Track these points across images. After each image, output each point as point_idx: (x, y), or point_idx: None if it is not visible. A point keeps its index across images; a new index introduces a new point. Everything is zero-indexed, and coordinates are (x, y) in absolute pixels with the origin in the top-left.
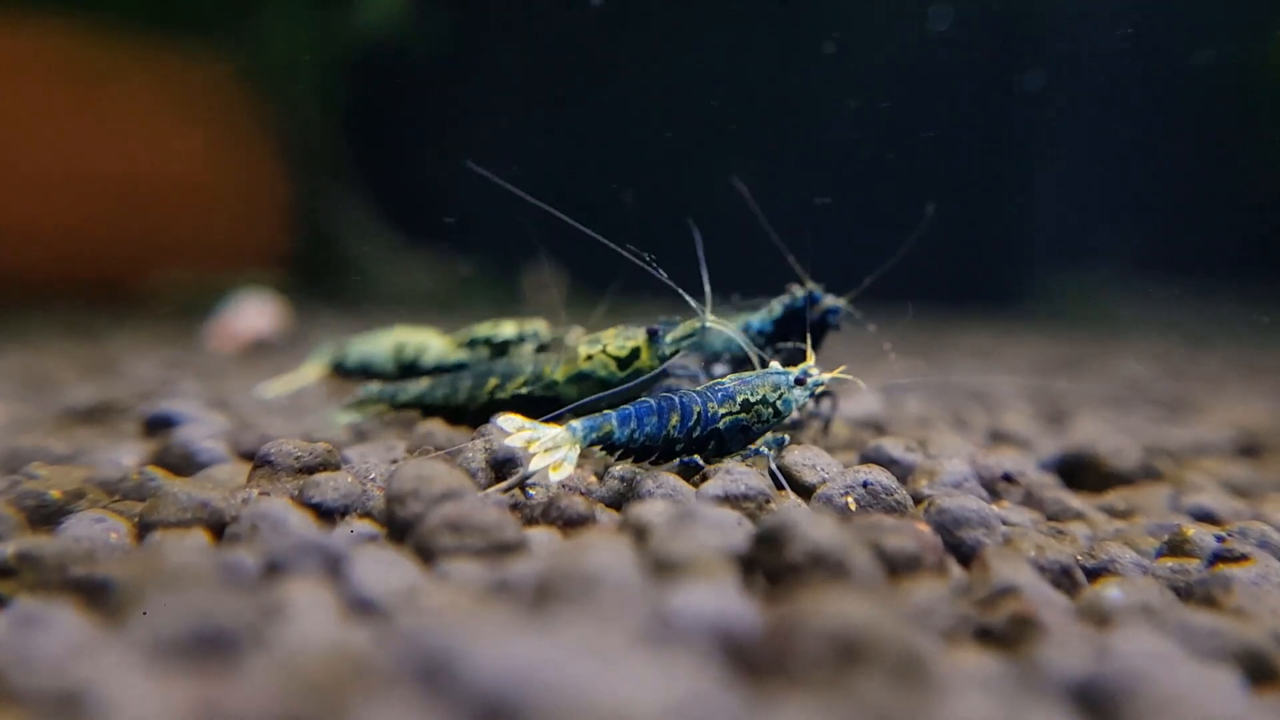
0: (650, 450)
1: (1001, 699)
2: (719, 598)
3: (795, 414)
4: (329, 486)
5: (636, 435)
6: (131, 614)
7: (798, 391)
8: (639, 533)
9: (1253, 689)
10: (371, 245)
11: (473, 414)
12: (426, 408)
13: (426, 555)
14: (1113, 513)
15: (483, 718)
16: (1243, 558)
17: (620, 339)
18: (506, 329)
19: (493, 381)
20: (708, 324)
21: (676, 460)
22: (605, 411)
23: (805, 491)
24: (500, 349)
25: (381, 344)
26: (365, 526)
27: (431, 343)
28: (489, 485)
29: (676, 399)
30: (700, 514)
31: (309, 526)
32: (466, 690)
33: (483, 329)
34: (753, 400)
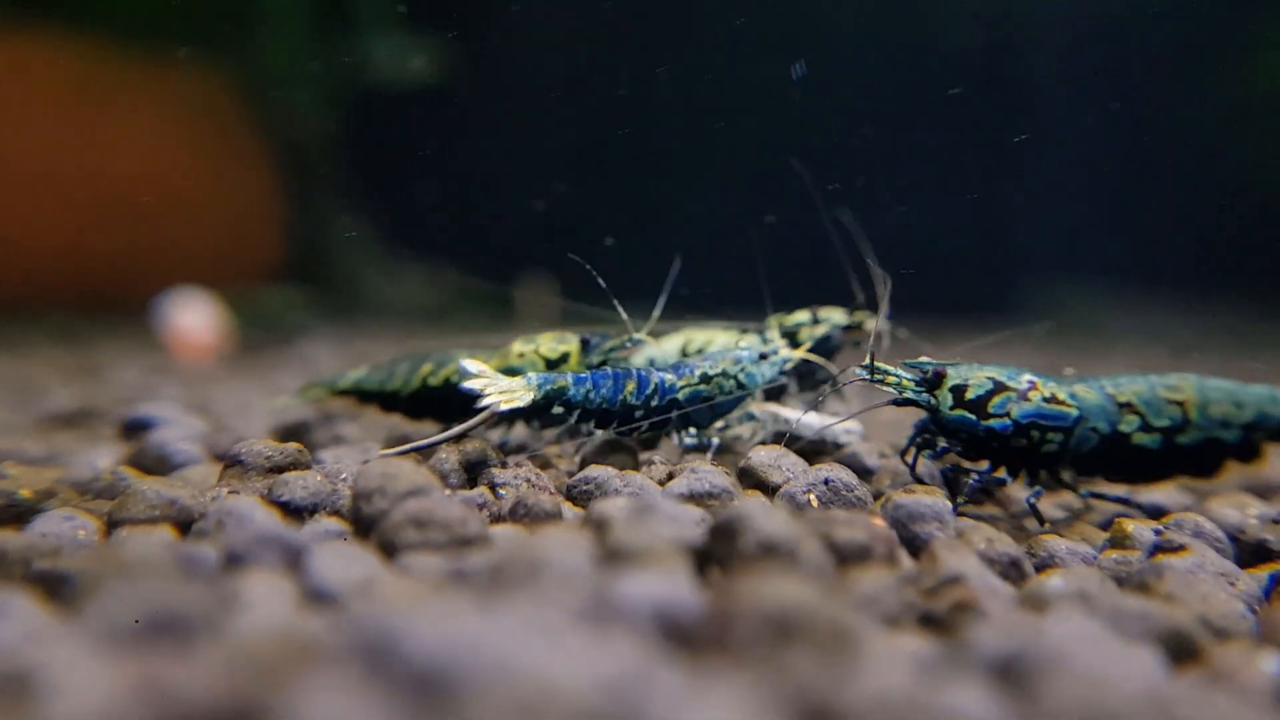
0: (609, 415)
1: (924, 672)
2: (664, 583)
3: (769, 382)
4: (298, 485)
5: (592, 396)
6: (88, 604)
7: (763, 366)
8: (599, 526)
9: (1174, 667)
10: (367, 258)
11: (406, 400)
12: (363, 394)
13: (390, 549)
14: (1069, 510)
15: (418, 690)
16: (1180, 548)
17: (555, 342)
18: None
19: (427, 368)
20: (637, 339)
21: (675, 439)
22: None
23: (771, 490)
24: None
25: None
26: (333, 524)
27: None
28: (462, 487)
29: (634, 370)
30: (659, 508)
31: (273, 522)
32: (404, 666)
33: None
34: (711, 373)
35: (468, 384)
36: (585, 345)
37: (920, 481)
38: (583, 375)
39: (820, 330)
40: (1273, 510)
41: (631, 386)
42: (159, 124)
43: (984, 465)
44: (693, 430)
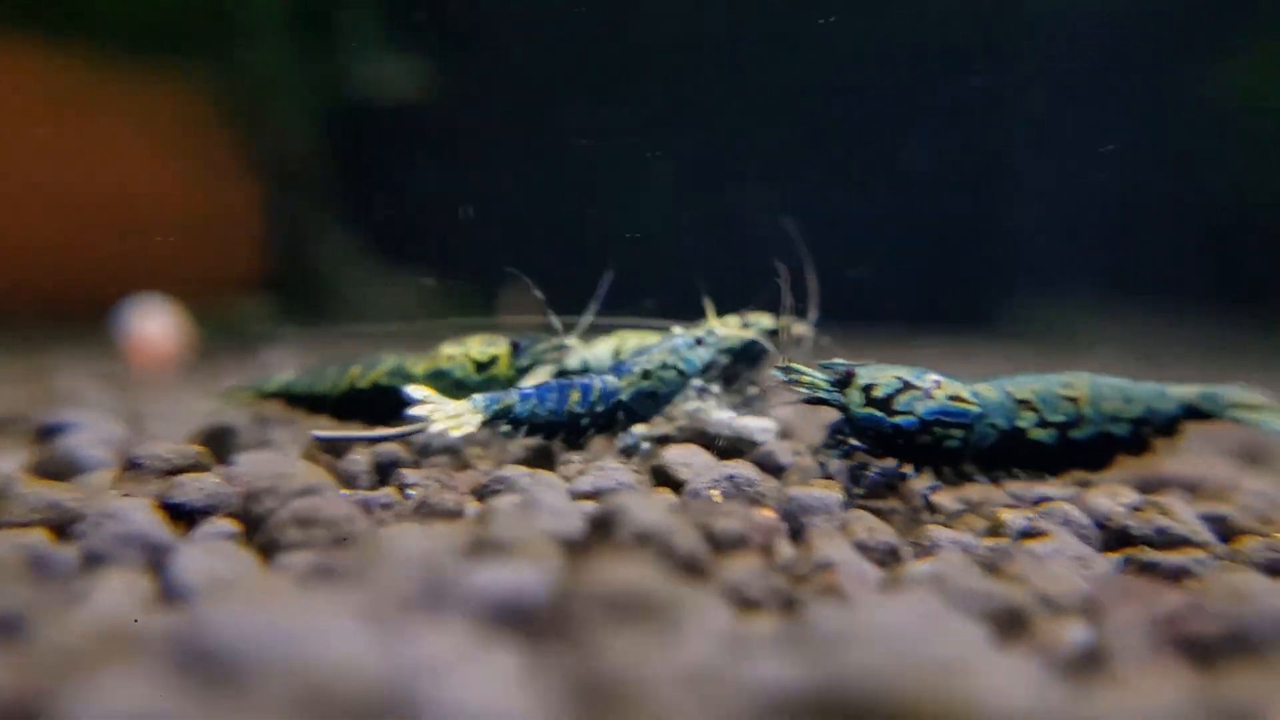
0: (556, 426)
1: (739, 648)
2: (518, 572)
3: (706, 366)
4: (193, 487)
5: (538, 411)
6: None
7: (700, 350)
8: (482, 521)
9: (1001, 638)
10: (348, 267)
11: (334, 402)
12: (291, 397)
13: (270, 548)
14: (968, 503)
15: (207, 677)
16: (1043, 534)
17: (485, 345)
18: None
19: (355, 370)
20: (568, 343)
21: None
22: (508, 390)
23: (678, 487)
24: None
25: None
26: (228, 525)
27: None
28: (372, 488)
29: (576, 380)
30: (542, 503)
31: (149, 523)
32: (202, 654)
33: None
34: (652, 369)
35: (413, 410)
36: (515, 348)
37: (834, 478)
38: (528, 391)
39: (749, 334)
40: (1141, 499)
41: (576, 396)
42: (137, 133)
43: (892, 462)
44: (633, 431)
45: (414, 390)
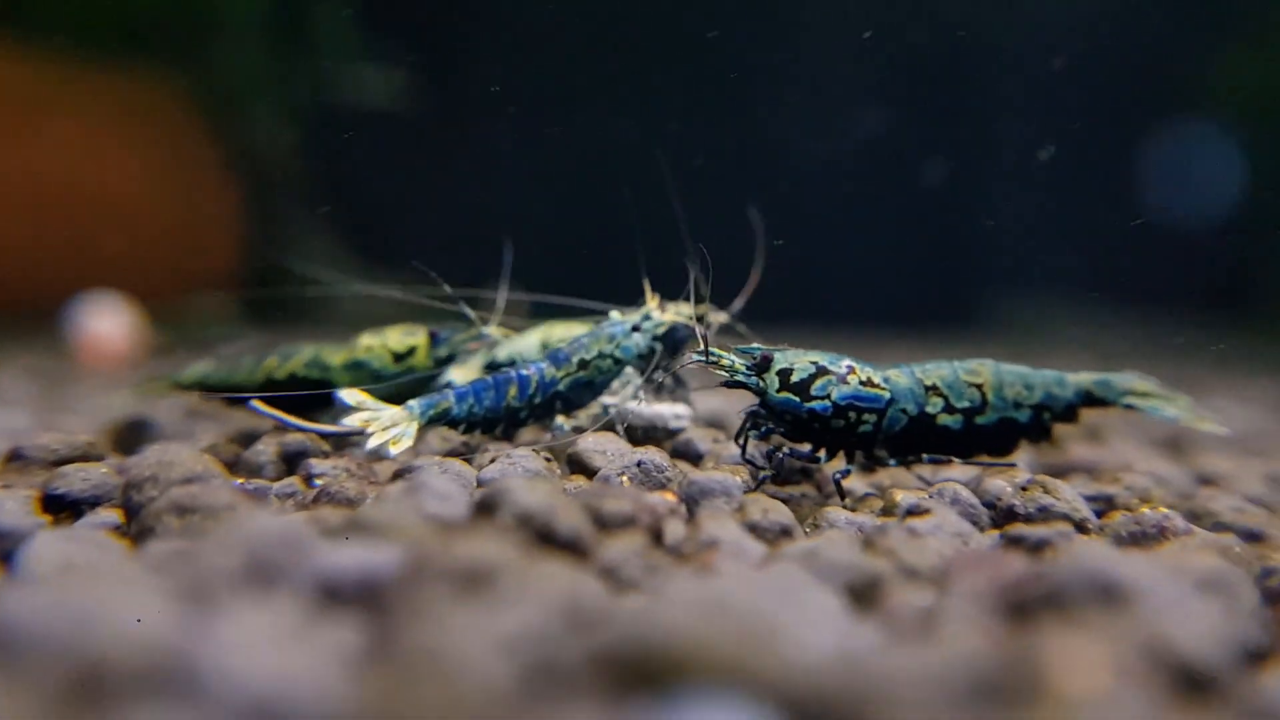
0: (494, 422)
1: (560, 614)
2: (374, 552)
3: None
4: (78, 478)
5: (476, 409)
6: None
7: (636, 337)
8: (368, 505)
9: (854, 607)
10: (325, 267)
11: (251, 392)
12: (208, 387)
13: (142, 536)
14: (878, 487)
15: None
16: (926, 512)
17: (403, 335)
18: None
19: (272, 361)
20: (485, 333)
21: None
22: (444, 390)
23: (591, 473)
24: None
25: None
26: (113, 516)
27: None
28: (277, 478)
29: (514, 373)
30: (427, 487)
31: (14, 512)
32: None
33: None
34: (588, 358)
35: (347, 420)
36: (433, 339)
37: (751, 464)
38: (464, 390)
39: (669, 320)
40: (1029, 479)
41: (514, 390)
42: (109, 133)
43: (807, 447)
44: (559, 421)
45: (346, 395)
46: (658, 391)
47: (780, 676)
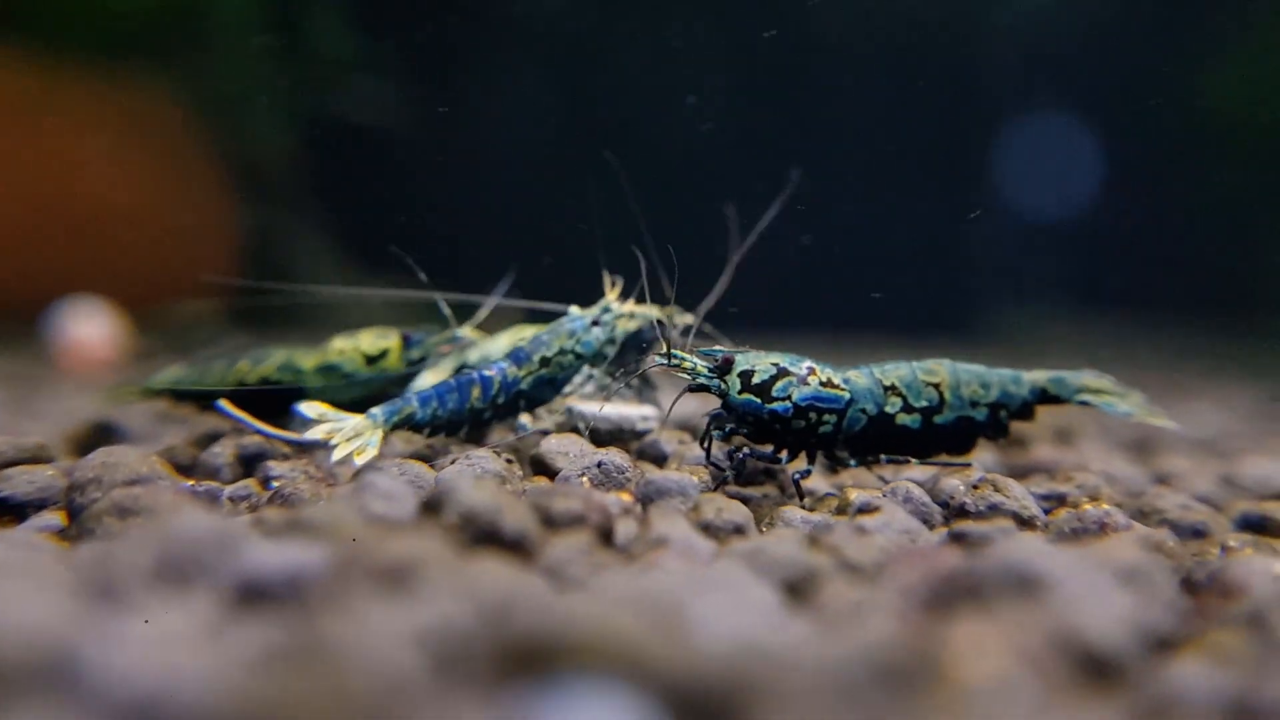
0: (458, 424)
1: (482, 606)
2: (304, 550)
3: (603, 348)
4: (22, 480)
5: (440, 413)
6: None
7: (595, 330)
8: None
9: (788, 601)
10: (321, 273)
11: (222, 396)
12: (178, 393)
13: (81, 538)
14: (838, 486)
15: None
16: (875, 509)
17: (375, 338)
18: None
19: (244, 365)
20: (459, 335)
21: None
22: (406, 395)
23: (553, 475)
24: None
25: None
26: (56, 519)
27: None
28: (234, 480)
29: (476, 374)
30: (374, 486)
31: None
32: None
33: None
34: (550, 355)
35: (310, 433)
36: (406, 341)
37: (716, 465)
38: (427, 394)
39: (635, 324)
40: (981, 478)
41: (477, 392)
42: (100, 138)
43: (769, 447)
44: (522, 420)
45: (307, 408)
46: (624, 394)
47: (676, 666)
